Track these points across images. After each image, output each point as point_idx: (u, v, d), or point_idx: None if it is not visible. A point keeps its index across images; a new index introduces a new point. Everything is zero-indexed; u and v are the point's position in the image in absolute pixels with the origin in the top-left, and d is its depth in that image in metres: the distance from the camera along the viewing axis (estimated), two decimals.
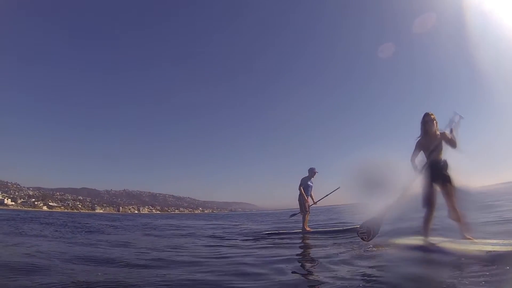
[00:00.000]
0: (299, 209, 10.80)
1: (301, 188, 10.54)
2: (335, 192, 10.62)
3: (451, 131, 4.95)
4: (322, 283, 3.79)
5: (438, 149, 4.95)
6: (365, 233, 5.79)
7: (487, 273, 3.35)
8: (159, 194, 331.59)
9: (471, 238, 4.75)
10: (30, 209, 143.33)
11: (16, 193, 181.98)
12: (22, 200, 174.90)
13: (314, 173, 10.66)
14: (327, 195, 10.78)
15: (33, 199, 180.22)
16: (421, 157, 5.19)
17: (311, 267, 5.01)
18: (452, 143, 4.93)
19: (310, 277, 4.34)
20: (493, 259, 3.69)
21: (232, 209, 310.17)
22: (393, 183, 5.42)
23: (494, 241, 4.42)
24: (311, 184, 10.66)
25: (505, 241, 4.25)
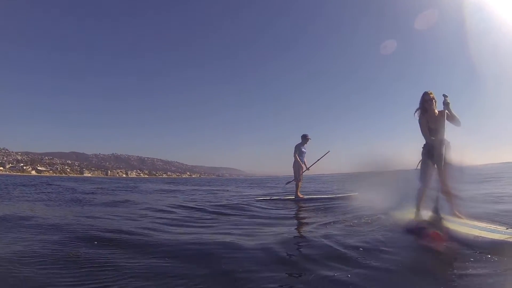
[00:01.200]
0: (293, 176, 10.91)
1: (296, 155, 10.59)
2: (325, 157, 10.97)
3: (448, 110, 4.99)
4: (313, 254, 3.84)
5: (441, 128, 4.98)
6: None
7: (471, 264, 3.28)
8: (147, 158, 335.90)
9: (460, 216, 4.87)
10: (19, 173, 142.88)
11: (5, 158, 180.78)
12: (10, 165, 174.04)
13: (307, 139, 10.68)
14: (318, 160, 10.98)
15: (22, 164, 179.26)
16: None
17: (307, 239, 4.93)
18: (453, 120, 5.00)
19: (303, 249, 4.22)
20: (479, 246, 3.69)
21: (220, 174, 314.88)
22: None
23: (482, 224, 4.45)
24: (304, 150, 10.70)
25: (492, 227, 4.29)
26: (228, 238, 4.79)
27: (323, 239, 4.51)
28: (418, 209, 5.21)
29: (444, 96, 5.02)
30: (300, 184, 10.78)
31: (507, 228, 4.15)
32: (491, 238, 3.80)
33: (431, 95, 5.10)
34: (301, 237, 5.08)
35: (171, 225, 6.17)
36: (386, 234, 4.67)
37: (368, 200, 8.83)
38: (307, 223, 6.35)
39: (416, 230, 4.64)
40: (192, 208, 9.02)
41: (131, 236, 4.92)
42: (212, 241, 4.62)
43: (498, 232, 4.01)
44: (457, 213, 4.92)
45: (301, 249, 4.23)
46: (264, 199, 11.26)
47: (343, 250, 3.92)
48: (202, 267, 3.47)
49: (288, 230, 5.59)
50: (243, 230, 5.57)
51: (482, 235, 3.91)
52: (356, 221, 5.78)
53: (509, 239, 3.70)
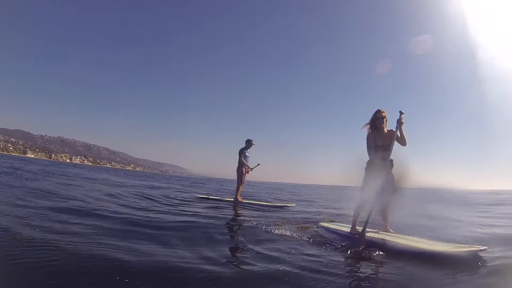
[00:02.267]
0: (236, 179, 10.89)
1: (242, 158, 10.63)
2: (257, 168, 11.06)
3: (399, 129, 4.94)
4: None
5: (388, 147, 4.92)
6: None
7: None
8: (94, 145, 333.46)
9: (392, 231, 4.97)
10: None
11: None
12: None
13: (251, 144, 10.80)
14: (251, 169, 11.01)
15: None
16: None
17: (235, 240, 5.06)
18: (401, 140, 4.94)
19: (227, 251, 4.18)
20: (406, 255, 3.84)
21: (163, 170, 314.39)
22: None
23: (417, 238, 4.45)
24: (248, 155, 10.79)
25: (430, 241, 4.28)
26: None
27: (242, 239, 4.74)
28: (354, 224, 5.17)
29: (400, 112, 4.92)
30: (241, 188, 10.90)
31: (443, 242, 4.21)
32: (417, 248, 3.93)
33: (383, 113, 5.04)
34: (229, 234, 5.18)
35: None
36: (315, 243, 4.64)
37: (306, 211, 8.83)
38: (237, 225, 6.35)
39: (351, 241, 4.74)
40: None
41: None
42: None
43: (436, 245, 4.05)
44: (390, 229, 5.02)
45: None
46: (203, 197, 11.56)
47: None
48: None
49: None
50: None
51: (411, 245, 4.04)
52: (287, 230, 5.54)
53: (450, 250, 3.74)
